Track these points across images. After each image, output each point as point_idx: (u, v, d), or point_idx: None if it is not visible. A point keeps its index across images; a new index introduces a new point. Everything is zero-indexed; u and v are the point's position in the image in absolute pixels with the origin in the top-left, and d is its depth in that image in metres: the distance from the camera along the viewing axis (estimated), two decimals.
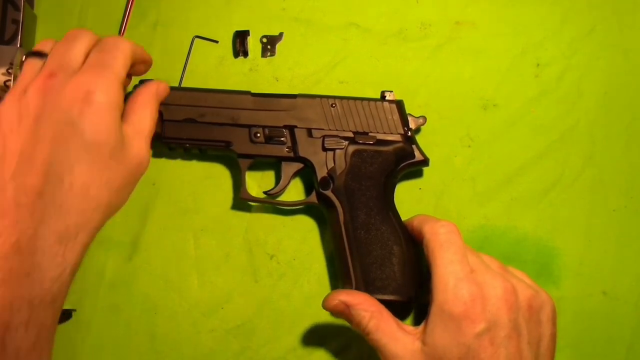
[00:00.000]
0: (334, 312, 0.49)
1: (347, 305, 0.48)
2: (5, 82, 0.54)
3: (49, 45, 0.48)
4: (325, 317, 0.56)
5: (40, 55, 0.47)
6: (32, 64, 0.47)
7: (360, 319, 0.48)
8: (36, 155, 0.43)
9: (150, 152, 0.49)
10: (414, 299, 0.52)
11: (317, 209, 0.57)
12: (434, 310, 0.46)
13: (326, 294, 0.56)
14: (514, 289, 0.47)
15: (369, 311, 0.48)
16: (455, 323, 0.45)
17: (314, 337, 0.56)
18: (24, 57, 0.53)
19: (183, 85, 0.59)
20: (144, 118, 0.49)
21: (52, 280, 0.42)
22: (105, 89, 0.45)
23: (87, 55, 0.47)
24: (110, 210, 0.46)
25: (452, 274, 0.46)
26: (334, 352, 0.55)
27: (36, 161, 0.43)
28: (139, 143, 0.48)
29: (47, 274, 0.42)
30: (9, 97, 0.45)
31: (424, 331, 0.46)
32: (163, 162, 0.58)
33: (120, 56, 0.47)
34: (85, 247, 0.45)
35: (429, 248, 0.48)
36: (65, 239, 0.43)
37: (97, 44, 0.48)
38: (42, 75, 0.45)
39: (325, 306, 0.49)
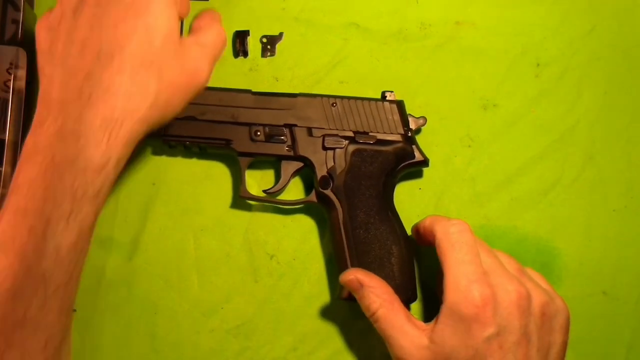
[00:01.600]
0: (348, 287, 0.50)
1: (361, 285, 0.48)
2: (5, 82, 0.54)
3: None
4: (325, 317, 0.56)
5: None
6: None
7: (370, 302, 0.48)
8: (87, 36, 0.42)
9: (211, 71, 0.47)
10: (412, 298, 0.52)
11: (317, 209, 0.57)
12: (444, 310, 0.46)
13: (326, 294, 0.56)
14: (528, 294, 0.46)
15: (381, 298, 0.48)
16: (465, 325, 0.44)
17: (314, 337, 0.56)
18: None
19: None
20: (207, 33, 0.48)
21: (96, 171, 0.41)
22: None
23: None
24: (158, 105, 0.43)
25: (464, 275, 0.46)
26: (334, 352, 0.55)
27: (88, 42, 0.42)
28: (197, 51, 0.46)
29: (91, 164, 0.41)
30: None
31: (433, 329, 0.46)
32: (163, 161, 0.58)
33: None
34: (130, 141, 0.43)
35: (440, 248, 0.48)
36: (110, 124, 0.41)
37: None
38: None
39: (341, 279, 0.50)
